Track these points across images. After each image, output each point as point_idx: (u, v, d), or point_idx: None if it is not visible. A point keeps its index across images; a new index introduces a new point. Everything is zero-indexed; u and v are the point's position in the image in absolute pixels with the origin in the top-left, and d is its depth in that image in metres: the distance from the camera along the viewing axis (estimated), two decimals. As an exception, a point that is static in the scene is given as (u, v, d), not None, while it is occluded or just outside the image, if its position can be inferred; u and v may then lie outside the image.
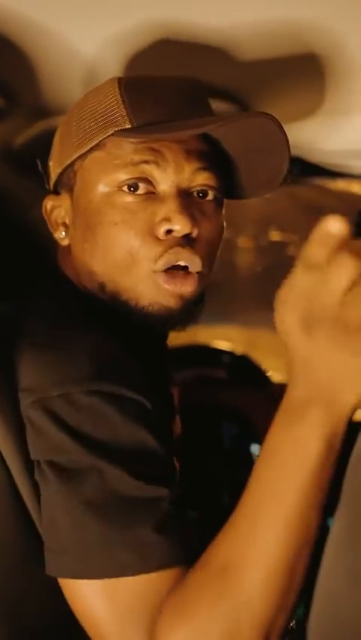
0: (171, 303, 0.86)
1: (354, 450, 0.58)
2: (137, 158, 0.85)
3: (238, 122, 0.84)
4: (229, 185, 0.93)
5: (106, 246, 0.86)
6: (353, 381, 0.62)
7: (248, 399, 1.51)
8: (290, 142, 0.84)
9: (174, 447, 0.84)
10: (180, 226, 0.84)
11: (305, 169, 1.32)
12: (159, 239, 0.85)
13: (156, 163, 0.85)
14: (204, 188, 0.88)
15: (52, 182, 0.95)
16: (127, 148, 0.85)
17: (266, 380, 1.79)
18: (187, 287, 0.86)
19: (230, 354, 1.85)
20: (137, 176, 0.85)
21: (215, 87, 0.96)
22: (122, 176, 0.85)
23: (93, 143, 0.87)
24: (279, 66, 0.89)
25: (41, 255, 0.99)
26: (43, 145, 0.97)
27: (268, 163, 0.89)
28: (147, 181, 0.86)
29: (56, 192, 0.95)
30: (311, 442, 0.64)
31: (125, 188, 0.86)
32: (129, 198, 0.86)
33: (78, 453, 0.74)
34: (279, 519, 0.64)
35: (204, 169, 0.87)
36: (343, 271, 0.58)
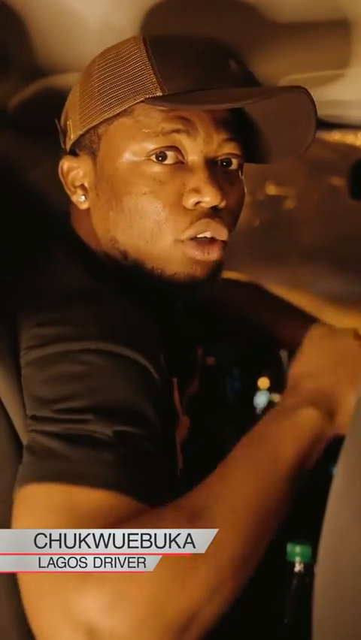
0: (197, 272, 0.87)
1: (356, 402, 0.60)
2: (167, 127, 0.84)
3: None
4: (249, 149, 0.92)
5: (133, 215, 0.86)
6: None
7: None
8: None
9: (186, 406, 0.85)
10: (210, 197, 0.83)
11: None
12: (186, 209, 0.85)
13: (187, 132, 0.84)
14: (228, 157, 0.88)
15: (69, 143, 0.92)
16: (156, 116, 0.84)
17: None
18: (213, 254, 0.86)
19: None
20: (167, 145, 0.84)
21: (224, 42, 0.94)
22: (152, 145, 0.84)
23: (121, 109, 0.85)
24: (289, 19, 0.87)
25: (43, 217, 0.99)
26: (40, 105, 0.96)
27: (292, 131, 0.88)
28: (177, 150, 0.85)
29: (73, 153, 0.92)
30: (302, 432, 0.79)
31: (153, 157, 0.85)
32: (158, 168, 0.85)
33: (66, 400, 0.73)
34: (250, 481, 0.74)
35: (231, 139, 0.87)
36: None
